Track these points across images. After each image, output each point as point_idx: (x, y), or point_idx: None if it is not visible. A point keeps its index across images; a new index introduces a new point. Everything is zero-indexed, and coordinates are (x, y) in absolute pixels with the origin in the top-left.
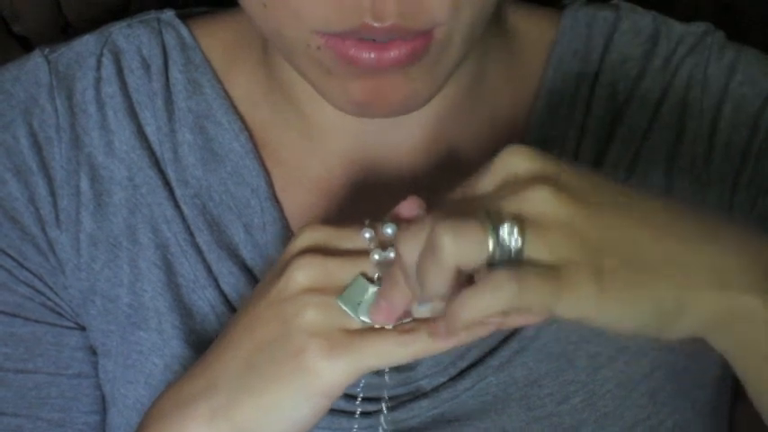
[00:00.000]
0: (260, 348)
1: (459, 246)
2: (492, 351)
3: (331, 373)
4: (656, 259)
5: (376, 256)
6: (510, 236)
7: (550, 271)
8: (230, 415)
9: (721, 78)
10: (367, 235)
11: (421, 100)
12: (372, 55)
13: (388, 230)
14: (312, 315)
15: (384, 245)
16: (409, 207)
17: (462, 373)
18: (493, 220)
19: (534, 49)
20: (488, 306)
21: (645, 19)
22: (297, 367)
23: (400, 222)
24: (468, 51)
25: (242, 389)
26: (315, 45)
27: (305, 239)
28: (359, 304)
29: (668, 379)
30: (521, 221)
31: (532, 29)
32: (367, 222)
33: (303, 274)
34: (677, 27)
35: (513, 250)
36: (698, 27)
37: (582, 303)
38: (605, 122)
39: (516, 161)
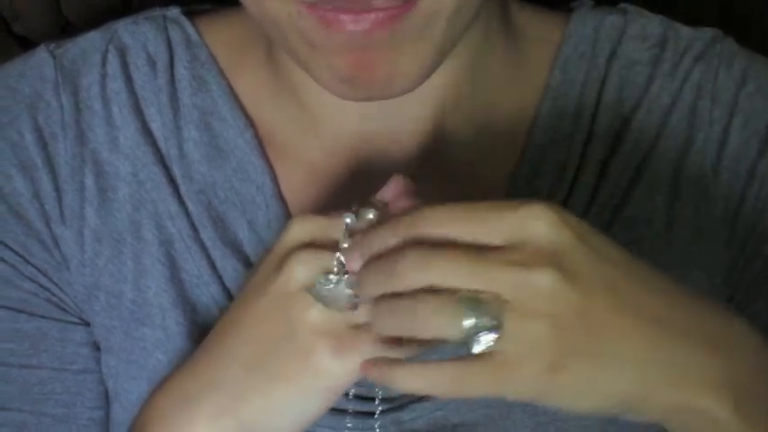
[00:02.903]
0: (264, 347)
1: (429, 318)
2: None
3: (341, 370)
4: (623, 357)
5: (345, 245)
6: (485, 331)
7: (500, 356)
8: (236, 414)
9: (732, 88)
10: (348, 221)
11: (408, 79)
12: (350, 17)
13: (369, 215)
14: (317, 313)
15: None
16: (393, 190)
17: None
18: (476, 309)
19: (540, 49)
20: (428, 387)
21: (652, 23)
22: (305, 366)
23: (384, 206)
24: (457, 34)
25: (248, 387)
26: (296, 11)
27: (298, 232)
28: (328, 295)
29: None
30: (502, 315)
31: (539, 30)
32: (353, 207)
33: (303, 270)
34: (685, 32)
35: (483, 341)
36: (705, 33)
37: (529, 388)
38: (613, 128)
39: (535, 226)
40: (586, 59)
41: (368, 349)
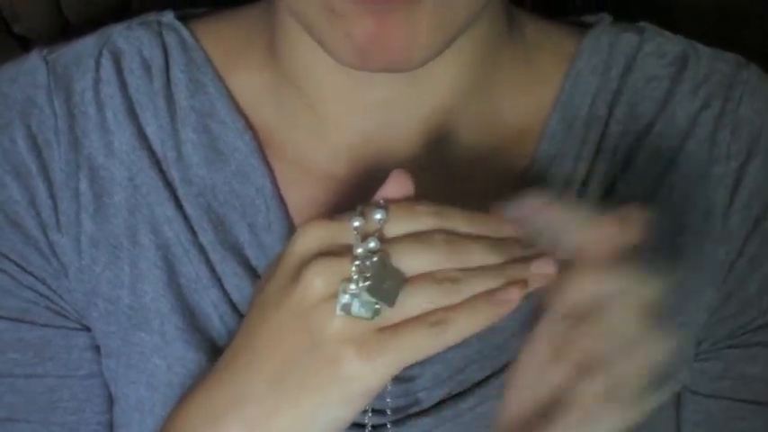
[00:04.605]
0: (289, 361)
1: None
2: (496, 372)
3: (370, 376)
4: None
5: (359, 250)
6: None
7: None
8: (268, 426)
9: (755, 122)
10: (356, 223)
11: (425, 51)
12: None
13: (377, 216)
14: (340, 322)
15: (372, 233)
16: (396, 186)
17: (465, 393)
18: None
19: (553, 61)
20: None
21: (671, 42)
22: (334, 375)
23: (389, 204)
24: (479, 8)
25: (277, 400)
26: None
27: (308, 240)
28: (351, 303)
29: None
30: None
31: (552, 41)
32: (358, 209)
33: (321, 281)
34: (707, 53)
35: None
36: (728, 57)
37: None
38: (624, 144)
39: None
40: (599, 73)
41: (394, 349)
